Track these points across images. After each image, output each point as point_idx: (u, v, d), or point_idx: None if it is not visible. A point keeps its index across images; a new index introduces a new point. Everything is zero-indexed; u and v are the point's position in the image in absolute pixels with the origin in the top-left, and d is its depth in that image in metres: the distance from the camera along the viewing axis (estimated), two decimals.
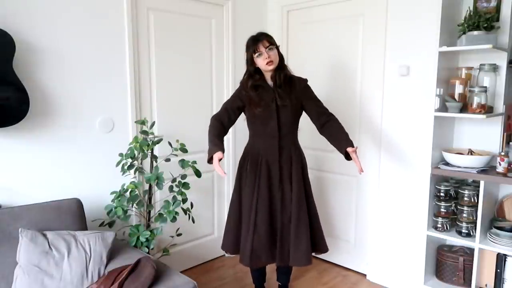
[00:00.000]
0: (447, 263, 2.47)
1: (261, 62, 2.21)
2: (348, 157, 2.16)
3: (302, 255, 2.26)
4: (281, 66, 2.27)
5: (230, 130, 2.45)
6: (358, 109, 2.91)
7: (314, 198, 2.46)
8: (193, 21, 2.93)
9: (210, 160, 2.10)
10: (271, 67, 2.21)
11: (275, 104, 2.23)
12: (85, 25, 2.32)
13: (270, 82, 2.28)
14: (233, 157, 3.21)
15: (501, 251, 2.21)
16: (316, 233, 2.37)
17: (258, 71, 2.27)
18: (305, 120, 2.40)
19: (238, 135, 3.10)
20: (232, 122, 2.32)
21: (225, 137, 2.29)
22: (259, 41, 2.20)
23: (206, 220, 3.19)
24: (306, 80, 2.36)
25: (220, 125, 2.25)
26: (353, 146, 2.13)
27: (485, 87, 2.22)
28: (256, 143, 2.34)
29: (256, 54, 2.21)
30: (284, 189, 2.28)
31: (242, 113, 2.37)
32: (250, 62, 2.26)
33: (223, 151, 2.07)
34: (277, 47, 2.26)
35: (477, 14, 2.22)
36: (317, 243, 2.38)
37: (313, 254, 2.38)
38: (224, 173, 2.03)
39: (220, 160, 2.04)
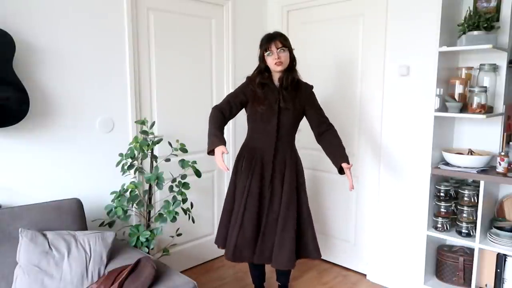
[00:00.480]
0: (447, 263, 2.47)
1: (270, 61, 2.21)
2: (341, 171, 2.21)
3: (285, 258, 2.23)
4: (291, 69, 2.26)
5: (230, 124, 2.43)
6: (358, 109, 2.92)
7: (315, 198, 2.46)
8: (193, 21, 2.93)
9: (210, 152, 2.09)
10: (279, 68, 2.21)
11: (277, 105, 2.23)
12: (85, 25, 2.32)
13: (277, 83, 2.28)
14: (233, 153, 3.20)
15: (501, 251, 2.21)
16: (307, 238, 2.33)
17: (267, 69, 2.27)
18: (304, 121, 2.40)
19: (238, 129, 3.09)
20: (232, 115, 2.31)
21: (225, 134, 2.28)
22: (272, 40, 2.20)
23: (206, 220, 3.19)
24: (312, 87, 2.37)
25: (222, 116, 2.23)
26: (348, 162, 2.18)
27: (485, 87, 2.22)
28: (253, 141, 2.34)
29: (267, 53, 2.21)
30: (273, 190, 2.28)
31: (243, 108, 2.36)
32: (261, 59, 2.26)
33: (225, 144, 2.06)
34: (290, 50, 2.25)
35: (477, 14, 2.22)
36: (308, 248, 2.33)
37: (301, 258, 2.35)
38: (227, 168, 2.02)
39: (222, 153, 2.01)
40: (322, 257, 2.30)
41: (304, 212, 2.35)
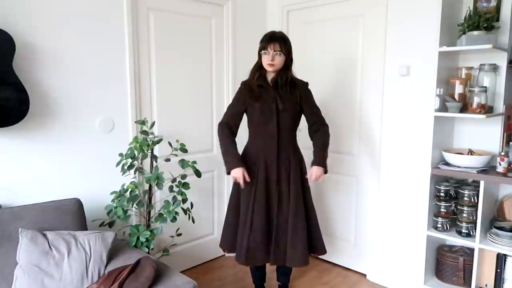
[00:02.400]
0: (447, 263, 2.47)
1: (264, 60, 2.24)
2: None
3: (299, 256, 2.27)
4: (286, 69, 2.26)
5: None
6: (358, 109, 2.92)
7: (315, 199, 2.48)
8: (193, 21, 2.93)
9: (229, 173, 2.26)
10: (270, 69, 2.23)
11: (275, 106, 2.23)
12: (85, 25, 2.32)
13: (270, 82, 2.29)
14: None
15: (501, 251, 2.21)
16: (314, 235, 2.38)
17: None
18: (304, 121, 2.40)
19: (239, 133, 3.09)
20: (238, 126, 2.37)
21: None
22: (272, 41, 2.20)
23: (206, 220, 3.19)
24: (307, 84, 2.37)
25: (232, 134, 2.32)
26: (321, 164, 2.27)
27: (485, 87, 2.22)
28: (255, 143, 2.34)
29: (263, 51, 2.22)
30: (281, 190, 2.29)
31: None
32: (259, 55, 2.28)
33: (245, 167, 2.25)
34: (289, 54, 2.25)
35: (477, 14, 2.22)
36: (315, 244, 2.39)
37: (311, 255, 2.39)
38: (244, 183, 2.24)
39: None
40: (322, 257, 2.34)
41: (310, 209, 2.38)
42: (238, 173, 2.21)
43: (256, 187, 2.28)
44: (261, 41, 2.25)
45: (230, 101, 2.47)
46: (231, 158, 2.25)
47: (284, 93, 2.25)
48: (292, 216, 2.27)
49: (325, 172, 2.30)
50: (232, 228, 2.40)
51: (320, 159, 2.29)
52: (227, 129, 2.32)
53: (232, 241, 2.40)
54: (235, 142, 2.33)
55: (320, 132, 2.36)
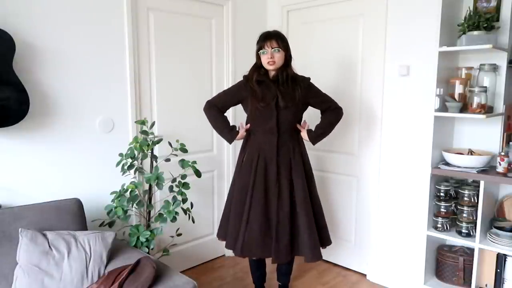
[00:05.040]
0: (447, 263, 2.47)
1: (263, 59, 2.24)
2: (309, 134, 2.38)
3: (315, 252, 2.29)
4: (286, 66, 2.26)
5: (230, 119, 2.53)
6: (358, 109, 2.92)
7: None
8: (193, 21, 2.93)
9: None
10: (271, 68, 2.23)
11: (275, 103, 2.23)
12: (85, 25, 2.32)
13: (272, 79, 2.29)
14: (233, 153, 3.20)
15: (501, 251, 2.21)
16: (321, 229, 2.39)
17: (263, 65, 2.29)
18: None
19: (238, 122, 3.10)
20: (225, 111, 2.43)
21: None
22: (268, 39, 2.21)
23: (206, 220, 3.19)
24: (308, 79, 2.37)
25: (221, 112, 2.39)
26: (312, 141, 2.36)
27: (485, 87, 2.22)
28: (255, 139, 2.34)
29: (261, 51, 2.23)
30: (281, 186, 2.28)
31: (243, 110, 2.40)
32: (257, 56, 2.28)
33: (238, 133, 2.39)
34: (287, 50, 2.26)
35: (477, 14, 2.22)
36: (323, 236, 2.40)
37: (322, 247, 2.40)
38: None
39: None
40: (322, 257, 2.36)
41: (316, 204, 2.39)
42: (239, 138, 2.38)
43: (254, 183, 2.27)
44: (258, 42, 2.26)
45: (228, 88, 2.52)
46: (229, 136, 2.39)
47: (285, 90, 2.24)
48: (303, 215, 2.26)
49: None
50: (228, 217, 2.42)
51: (315, 138, 2.37)
52: (217, 108, 2.39)
53: (227, 230, 2.42)
54: (225, 117, 2.41)
55: (334, 112, 2.41)
